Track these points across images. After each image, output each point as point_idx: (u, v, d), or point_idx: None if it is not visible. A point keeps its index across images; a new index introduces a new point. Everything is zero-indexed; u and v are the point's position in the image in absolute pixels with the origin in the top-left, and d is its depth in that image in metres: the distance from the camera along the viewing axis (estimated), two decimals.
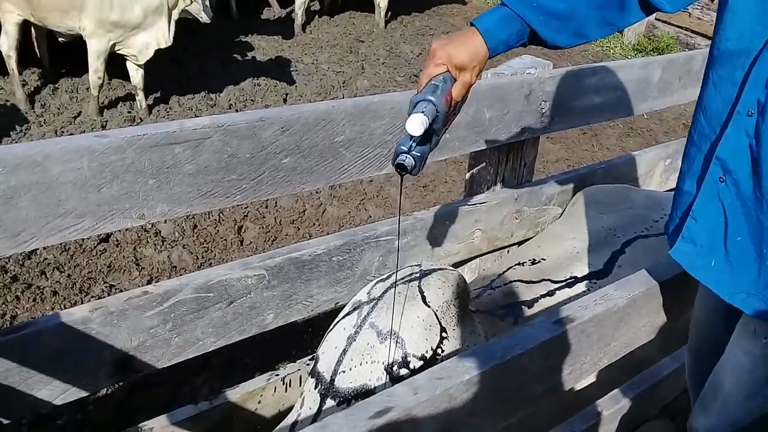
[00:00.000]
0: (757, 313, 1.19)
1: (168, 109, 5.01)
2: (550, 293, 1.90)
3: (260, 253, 3.64)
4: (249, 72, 5.74)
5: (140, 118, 4.81)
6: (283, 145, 1.66)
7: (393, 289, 1.48)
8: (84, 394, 1.57)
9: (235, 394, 1.89)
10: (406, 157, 1.18)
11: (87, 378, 1.56)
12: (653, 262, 1.89)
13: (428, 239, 2.10)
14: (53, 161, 1.34)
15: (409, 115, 1.14)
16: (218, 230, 3.81)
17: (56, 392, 1.52)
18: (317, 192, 4.17)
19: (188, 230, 3.74)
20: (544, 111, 2.14)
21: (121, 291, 3.30)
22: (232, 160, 1.59)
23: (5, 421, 1.49)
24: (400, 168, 1.18)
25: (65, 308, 3.16)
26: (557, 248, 2.07)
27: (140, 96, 4.85)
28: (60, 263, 3.39)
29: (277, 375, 1.99)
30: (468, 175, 2.29)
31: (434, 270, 1.53)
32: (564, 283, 1.92)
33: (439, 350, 1.41)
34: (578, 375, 1.36)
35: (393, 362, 1.36)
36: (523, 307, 1.85)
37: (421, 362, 1.38)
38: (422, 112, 1.15)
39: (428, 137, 1.20)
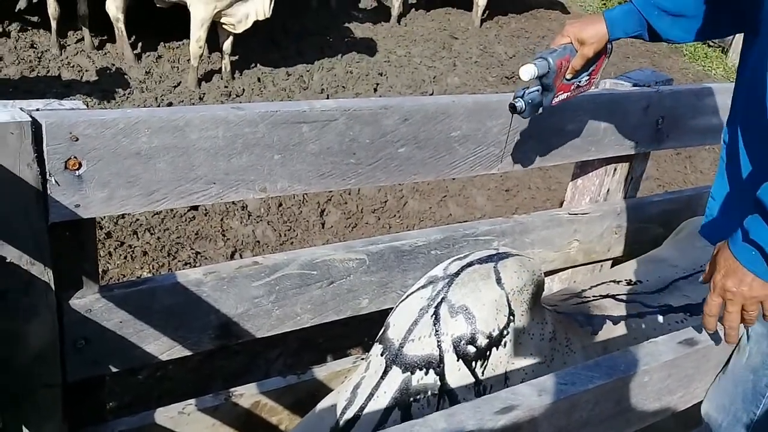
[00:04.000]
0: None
1: (262, 88, 5.12)
2: (640, 315, 1.85)
3: (340, 238, 3.74)
4: (343, 58, 5.81)
5: (236, 94, 4.94)
6: (401, 134, 1.69)
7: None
8: (188, 353, 1.63)
9: (322, 371, 1.93)
10: (519, 100, 1.48)
11: (193, 337, 1.62)
12: None
13: (525, 244, 2.09)
14: (192, 128, 1.40)
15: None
16: (302, 211, 3.88)
17: (163, 347, 1.59)
18: (400, 184, 4.19)
19: (273, 207, 3.82)
20: (660, 127, 2.09)
21: (206, 259, 3.41)
22: (352, 144, 1.63)
23: (114, 369, 1.56)
24: (512, 108, 1.49)
25: (153, 269, 3.29)
26: (657, 273, 2.02)
27: (226, 60, 4.96)
28: (151, 225, 3.52)
29: (363, 359, 2.01)
30: (571, 184, 2.27)
31: (512, 255, 1.55)
32: (657, 310, 1.87)
33: (505, 332, 1.44)
34: (689, 399, 1.34)
35: (462, 337, 1.39)
36: (607, 321, 1.82)
37: (488, 340, 1.41)
38: (535, 63, 1.44)
39: (541, 89, 1.49)
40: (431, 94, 5.59)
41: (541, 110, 1.54)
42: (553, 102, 1.54)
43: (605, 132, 2.00)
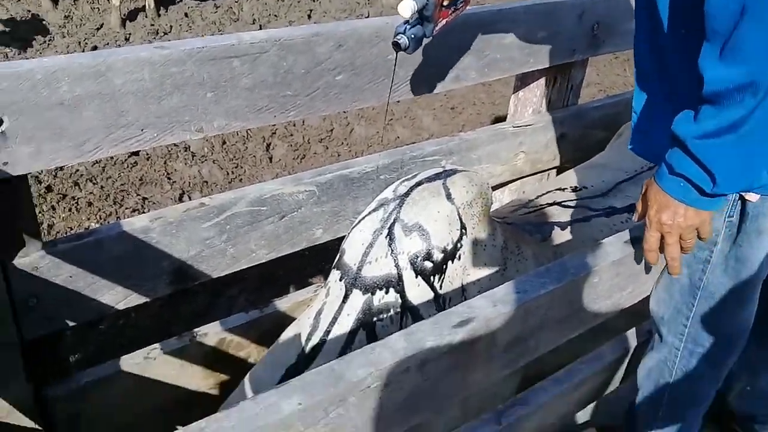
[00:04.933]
0: None
1: (190, 24, 4.92)
2: (586, 219, 1.90)
3: (289, 170, 3.70)
4: None
5: (164, 32, 4.73)
6: (337, 61, 1.65)
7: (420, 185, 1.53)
8: (144, 299, 1.62)
9: (284, 303, 1.94)
10: (401, 36, 1.43)
11: (147, 284, 1.60)
12: None
13: (472, 160, 2.10)
14: (116, 72, 1.34)
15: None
16: (247, 147, 3.81)
17: (119, 297, 1.57)
18: (344, 111, 4.14)
19: (217, 146, 3.74)
20: (596, 32, 2.09)
21: (154, 204, 3.34)
22: (287, 76, 1.58)
23: (71, 323, 1.54)
24: (396, 46, 1.44)
25: (101, 219, 3.21)
26: (600, 177, 2.06)
27: None
28: (92, 175, 3.41)
29: (323, 287, 2.03)
30: (513, 97, 2.27)
31: (460, 171, 1.58)
32: (602, 212, 1.92)
33: (458, 245, 1.48)
34: (638, 294, 1.40)
35: (418, 254, 1.42)
36: (555, 227, 1.86)
37: (443, 254, 1.45)
38: None
39: (422, 21, 1.45)
40: (366, 17, 5.46)
41: (425, 42, 1.50)
42: (435, 31, 1.49)
43: (542, 42, 1.99)
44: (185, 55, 1.42)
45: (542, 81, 2.18)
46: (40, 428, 1.58)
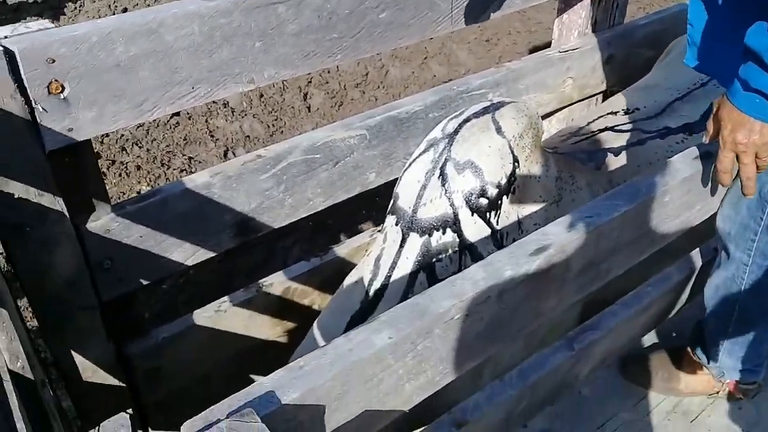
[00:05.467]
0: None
1: None
2: (640, 142, 1.86)
3: (328, 118, 3.69)
4: None
5: None
6: None
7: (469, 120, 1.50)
8: (211, 254, 1.66)
9: (342, 249, 1.97)
10: None
11: (212, 239, 1.64)
12: None
13: (519, 90, 2.06)
14: (167, 28, 1.34)
15: None
16: (284, 98, 3.80)
17: (187, 254, 1.61)
18: (378, 53, 4.08)
19: (255, 100, 3.74)
20: None
21: (200, 162, 3.38)
22: (332, 18, 1.56)
23: (144, 282, 1.59)
24: None
25: (150, 181, 3.27)
26: (652, 98, 2.00)
27: None
28: (137, 138, 3.46)
29: (379, 231, 2.05)
30: (557, 21, 2.21)
31: (507, 102, 1.54)
32: (656, 134, 1.88)
33: (512, 178, 1.46)
34: (707, 211, 1.38)
35: (472, 191, 1.41)
36: (609, 154, 1.83)
37: (497, 190, 1.43)
38: None
39: None
40: None
41: None
42: None
43: None
44: (231, 4, 1.41)
45: (586, 1, 2.11)
46: (123, 385, 1.66)
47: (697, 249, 1.67)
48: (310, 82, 3.88)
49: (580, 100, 2.27)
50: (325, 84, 3.89)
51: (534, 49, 4.13)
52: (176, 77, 1.40)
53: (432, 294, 0.91)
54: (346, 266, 1.95)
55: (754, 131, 1.11)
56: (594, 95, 2.32)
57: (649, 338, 1.79)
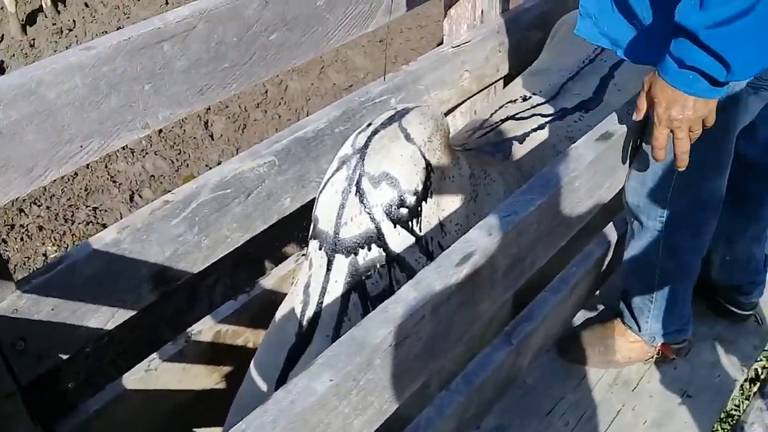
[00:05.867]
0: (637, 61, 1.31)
1: (93, 13, 4.67)
2: (541, 127, 1.90)
3: (233, 144, 3.62)
4: None
5: (68, 28, 4.49)
6: (267, 20, 1.59)
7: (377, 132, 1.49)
8: (132, 313, 1.58)
9: (268, 281, 1.92)
10: None
11: (131, 297, 1.56)
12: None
13: (420, 91, 2.07)
14: (47, 86, 1.27)
15: None
16: (185, 130, 3.70)
17: (105, 317, 1.53)
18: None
19: (155, 137, 3.62)
20: None
21: (106, 211, 3.24)
22: (221, 48, 1.52)
23: (64, 357, 1.50)
24: None
25: (56, 240, 3.11)
26: (545, 82, 2.05)
27: None
28: (35, 197, 3.28)
29: (304, 255, 2.01)
30: (446, 17, 2.23)
31: (412, 108, 1.54)
32: (555, 116, 1.93)
33: (428, 183, 1.46)
34: (616, 186, 1.41)
35: (391, 202, 1.40)
36: (514, 142, 1.86)
37: (415, 197, 1.43)
38: None
39: None
40: None
41: None
42: None
43: None
44: (113, 51, 1.34)
45: None
46: None
47: (611, 223, 1.72)
48: (209, 109, 3.79)
49: (480, 91, 2.30)
50: (225, 109, 3.81)
51: (427, 43, 4.18)
52: (64, 136, 1.33)
53: (366, 325, 0.89)
54: (276, 297, 1.91)
55: (687, 107, 1.13)
56: (493, 83, 2.35)
57: (581, 315, 1.83)
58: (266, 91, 3.91)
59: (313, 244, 1.47)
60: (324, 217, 1.45)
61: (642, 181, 1.44)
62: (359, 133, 1.51)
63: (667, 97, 1.14)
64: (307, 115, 3.86)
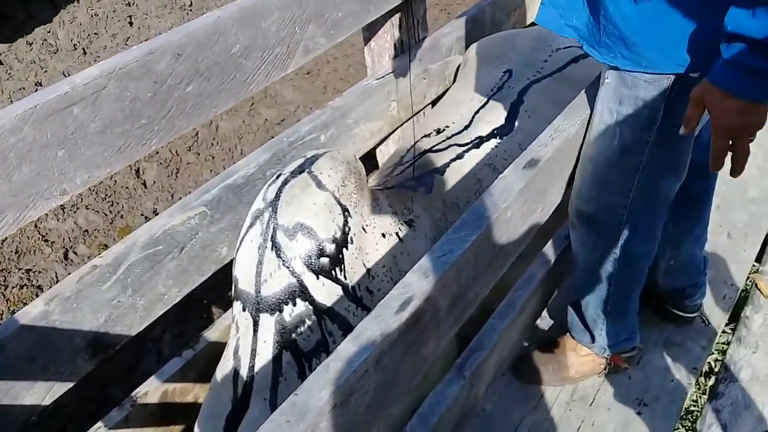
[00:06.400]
0: (602, 60, 1.32)
1: (8, 71, 4.52)
2: (459, 156, 1.90)
3: (167, 190, 3.53)
4: (81, 2, 5.21)
5: None
6: (181, 73, 1.55)
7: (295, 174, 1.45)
8: (70, 384, 1.52)
9: (213, 333, 1.87)
10: None
11: (67, 368, 1.49)
12: (552, 103, 1.93)
13: (350, 125, 2.06)
14: None
15: None
16: (115, 181, 3.59)
17: (41, 393, 1.46)
18: None
19: (85, 190, 3.49)
20: None
21: (40, 272, 3.11)
22: (135, 105, 1.47)
23: None
24: None
25: None
26: (458, 113, 2.07)
27: None
28: None
29: (231, 322, 1.97)
30: (366, 49, 2.23)
31: (321, 154, 1.51)
32: (471, 145, 1.93)
33: (346, 229, 1.43)
34: (549, 208, 1.42)
35: (310, 253, 1.36)
36: (435, 174, 1.85)
37: (334, 245, 1.39)
38: None
39: None
40: (191, 5, 5.21)
41: None
42: None
43: None
44: (19, 120, 1.28)
45: (388, 25, 2.15)
46: None
47: (549, 242, 1.73)
48: None
49: (409, 119, 2.31)
50: (155, 155, 3.72)
51: (354, 72, 4.18)
52: None
53: (307, 388, 0.86)
54: (222, 349, 1.85)
55: (749, 113, 1.10)
56: (422, 110, 2.36)
57: (531, 335, 1.84)
58: (197, 133, 3.83)
59: (237, 306, 1.42)
60: (243, 276, 1.40)
61: (600, 189, 1.43)
62: (270, 185, 1.47)
63: (727, 107, 1.11)
64: (242, 154, 3.83)
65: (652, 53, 1.22)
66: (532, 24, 2.78)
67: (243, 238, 1.41)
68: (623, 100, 1.32)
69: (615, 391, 1.70)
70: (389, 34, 2.17)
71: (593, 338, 1.68)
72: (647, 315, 1.83)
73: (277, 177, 1.44)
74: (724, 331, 1.98)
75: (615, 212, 1.45)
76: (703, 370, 1.95)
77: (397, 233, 1.55)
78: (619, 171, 1.39)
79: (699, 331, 1.87)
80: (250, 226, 1.40)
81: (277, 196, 1.39)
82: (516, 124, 1.96)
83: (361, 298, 1.42)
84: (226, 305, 2.68)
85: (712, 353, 1.94)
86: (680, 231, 1.70)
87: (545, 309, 1.87)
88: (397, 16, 2.15)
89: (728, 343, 1.91)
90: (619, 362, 1.73)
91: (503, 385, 1.69)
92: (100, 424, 1.65)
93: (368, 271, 1.44)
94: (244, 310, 1.37)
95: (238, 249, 1.42)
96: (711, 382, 1.89)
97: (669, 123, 1.29)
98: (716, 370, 1.95)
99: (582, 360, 1.71)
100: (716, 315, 1.93)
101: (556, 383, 1.72)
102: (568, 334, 1.73)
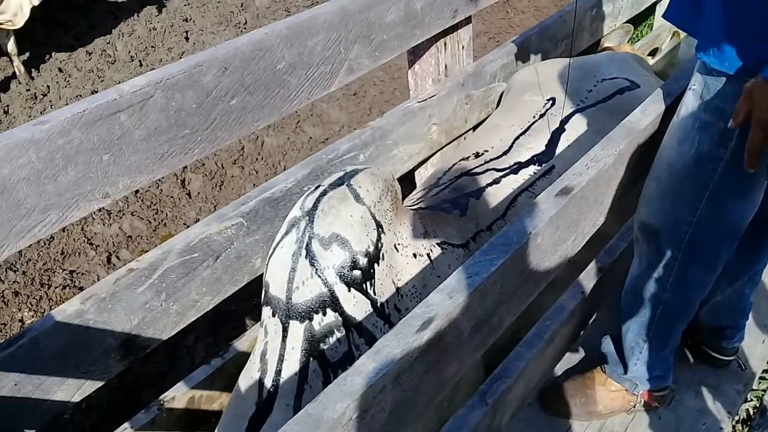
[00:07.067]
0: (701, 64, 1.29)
1: (67, 78, 4.70)
2: (496, 181, 1.89)
3: (211, 201, 3.60)
4: (140, 16, 5.40)
5: (42, 93, 4.50)
6: (226, 86, 1.59)
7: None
8: (99, 384, 1.55)
9: (243, 343, 1.89)
10: None
11: (98, 368, 1.52)
12: (594, 133, 1.92)
13: (389, 146, 2.08)
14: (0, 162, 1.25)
15: None
16: (161, 189, 3.68)
17: (72, 390, 1.49)
18: None
19: (131, 197, 3.60)
20: None
21: (83, 274, 3.20)
22: (180, 115, 1.52)
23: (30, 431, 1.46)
24: None
25: (32, 305, 3.05)
26: (498, 138, 2.07)
27: (17, 62, 4.52)
28: (10, 263, 3.24)
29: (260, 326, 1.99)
30: (410, 72, 2.25)
31: (361, 170, 1.52)
32: (509, 170, 1.92)
33: (379, 244, 1.43)
34: (582, 239, 1.40)
35: (343, 264, 1.37)
36: (470, 198, 1.84)
37: (367, 258, 1.39)
38: None
39: None
40: (245, 24, 5.34)
41: None
42: None
43: (423, 12, 1.97)
44: (68, 123, 1.33)
45: (433, 50, 2.17)
46: None
47: (584, 273, 1.70)
48: (186, 167, 3.79)
49: (449, 143, 2.32)
50: (201, 167, 3.80)
51: (400, 94, 4.22)
52: (21, 210, 1.31)
53: (323, 400, 0.86)
54: None
55: None
56: (462, 135, 2.37)
57: (561, 365, 1.80)
58: (243, 148, 3.91)
59: (266, 311, 1.43)
60: (275, 282, 1.41)
61: (671, 201, 1.39)
62: (308, 195, 1.49)
63: None
64: (285, 170, 3.87)
65: (731, 51, 1.19)
66: (608, 48, 2.77)
67: (277, 244, 1.43)
68: (706, 107, 1.29)
69: (644, 429, 1.66)
70: (434, 58, 2.19)
71: (626, 369, 1.63)
72: (682, 354, 1.78)
73: (316, 188, 1.46)
74: (762, 378, 1.91)
75: (680, 228, 1.40)
76: (741, 417, 1.88)
77: (428, 254, 1.55)
78: (692, 183, 1.34)
79: (735, 375, 1.81)
80: (286, 233, 1.42)
81: (315, 206, 1.41)
82: (556, 152, 1.95)
83: (389, 315, 1.42)
84: (258, 317, 2.70)
85: (750, 400, 1.88)
86: (743, 266, 1.63)
87: (576, 340, 1.84)
88: (443, 40, 2.17)
89: (766, 390, 1.84)
90: (650, 400, 1.68)
91: (530, 416, 1.66)
92: (126, 425, 1.68)
93: (398, 289, 1.45)
94: (273, 315, 1.39)
95: (271, 255, 1.44)
96: (746, 430, 1.82)
97: (743, 143, 1.24)
98: (754, 418, 1.89)
99: (612, 395, 1.67)
100: (754, 360, 1.86)
101: (584, 418, 1.68)
102: (599, 367, 1.70)
